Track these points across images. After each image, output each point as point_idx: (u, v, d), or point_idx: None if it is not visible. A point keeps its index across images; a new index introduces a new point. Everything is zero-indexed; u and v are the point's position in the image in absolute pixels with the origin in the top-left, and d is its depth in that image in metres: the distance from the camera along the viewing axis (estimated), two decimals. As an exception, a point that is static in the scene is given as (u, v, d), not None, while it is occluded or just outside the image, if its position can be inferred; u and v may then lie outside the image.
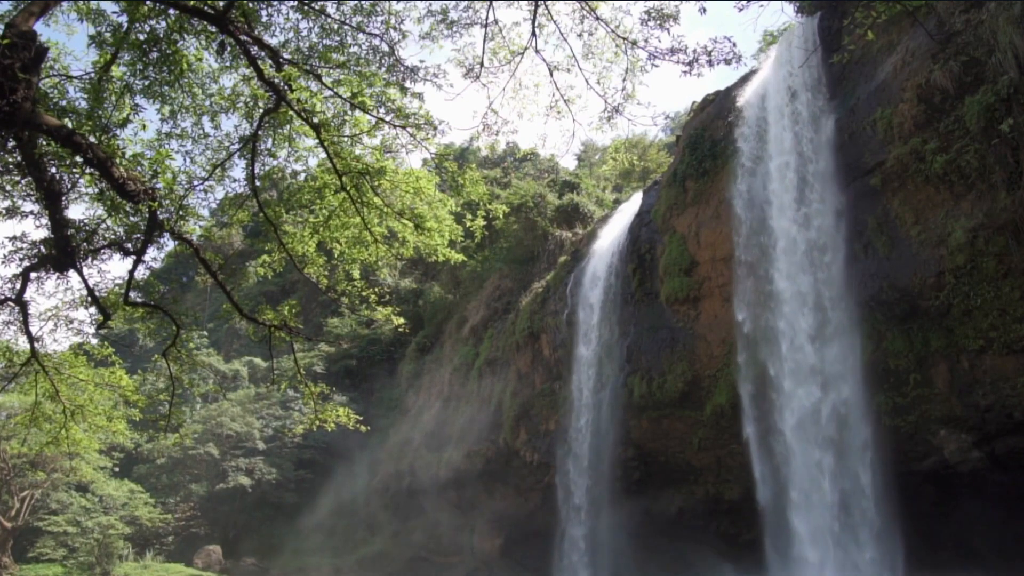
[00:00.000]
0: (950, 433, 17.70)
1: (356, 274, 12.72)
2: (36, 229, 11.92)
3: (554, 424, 29.27)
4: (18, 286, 11.74)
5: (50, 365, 14.88)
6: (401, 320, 14.37)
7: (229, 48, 10.08)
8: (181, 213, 10.49)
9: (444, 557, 36.69)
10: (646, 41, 10.18)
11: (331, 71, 10.62)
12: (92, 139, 9.07)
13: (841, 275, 20.03)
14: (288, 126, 10.86)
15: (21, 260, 11.18)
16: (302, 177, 12.24)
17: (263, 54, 10.05)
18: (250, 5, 10.01)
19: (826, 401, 19.94)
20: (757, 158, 23.34)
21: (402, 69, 10.84)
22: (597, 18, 10.27)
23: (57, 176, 9.79)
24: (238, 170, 20.37)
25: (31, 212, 10.85)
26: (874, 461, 18.83)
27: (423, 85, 11.11)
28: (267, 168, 11.40)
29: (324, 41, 10.77)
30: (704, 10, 9.53)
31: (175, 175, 10.27)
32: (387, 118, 10.29)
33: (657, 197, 27.31)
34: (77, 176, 10.10)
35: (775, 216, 22.21)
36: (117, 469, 43.78)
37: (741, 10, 10.80)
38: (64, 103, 9.90)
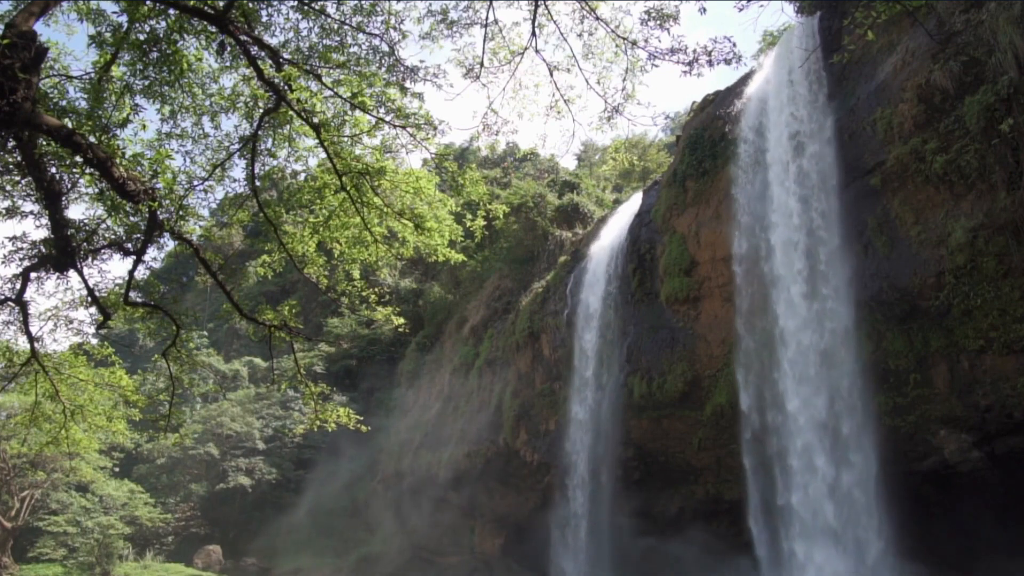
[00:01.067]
0: (950, 433, 17.69)
1: (356, 274, 12.73)
2: (36, 229, 11.96)
3: (554, 424, 29.25)
4: (18, 286, 11.77)
5: (50, 365, 14.90)
6: (401, 320, 14.40)
7: (229, 48, 10.08)
8: (181, 213, 10.51)
9: (444, 557, 36.68)
10: (646, 41, 10.18)
11: (331, 71, 10.62)
12: (92, 139, 9.07)
13: (859, 396, 18.81)
14: (288, 126, 10.87)
15: (21, 260, 11.21)
16: (302, 177, 12.26)
17: (263, 54, 10.05)
18: (250, 5, 10.01)
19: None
20: (758, 216, 22.02)
21: (402, 69, 10.84)
22: (597, 18, 10.26)
23: (57, 176, 9.81)
24: (238, 170, 20.32)
25: (31, 212, 10.89)
26: None
27: (423, 85, 11.12)
28: (267, 168, 11.42)
29: (324, 41, 10.77)
30: (704, 10, 9.52)
31: (175, 175, 10.29)
32: (387, 118, 10.30)
33: (657, 197, 27.29)
34: (77, 176, 10.12)
35: (782, 307, 20.64)
36: (117, 469, 43.79)
37: (741, 10, 10.80)
38: (64, 103, 9.92)
